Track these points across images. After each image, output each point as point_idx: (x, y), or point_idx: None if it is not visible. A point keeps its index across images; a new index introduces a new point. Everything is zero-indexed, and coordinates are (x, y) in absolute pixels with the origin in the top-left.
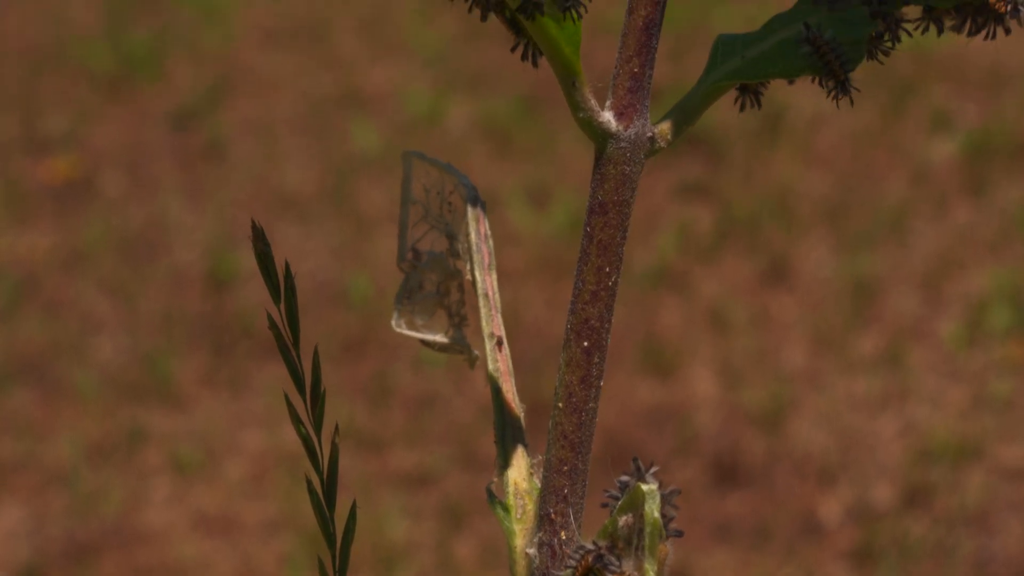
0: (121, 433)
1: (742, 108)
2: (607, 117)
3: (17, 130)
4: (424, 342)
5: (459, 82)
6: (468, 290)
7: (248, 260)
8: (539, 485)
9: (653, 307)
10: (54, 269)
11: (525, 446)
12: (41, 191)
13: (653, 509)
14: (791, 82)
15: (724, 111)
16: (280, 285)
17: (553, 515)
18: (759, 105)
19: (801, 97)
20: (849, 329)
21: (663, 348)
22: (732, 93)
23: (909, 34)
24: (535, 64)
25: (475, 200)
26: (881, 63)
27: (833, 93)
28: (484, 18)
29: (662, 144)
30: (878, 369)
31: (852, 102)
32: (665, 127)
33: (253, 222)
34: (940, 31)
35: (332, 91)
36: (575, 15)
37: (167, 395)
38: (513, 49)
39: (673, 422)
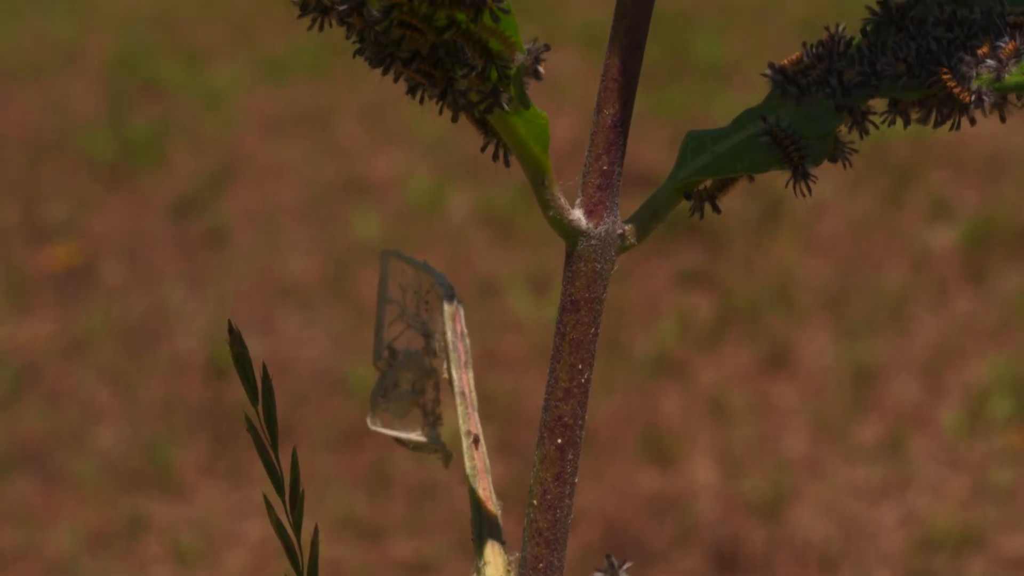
0: (121, 522)
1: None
2: (577, 215)
3: (18, 218)
4: (399, 440)
5: (460, 169)
6: (443, 388)
7: (249, 348)
8: None
9: (653, 395)
10: (54, 357)
11: (502, 543)
12: (41, 279)
13: None
14: (751, 179)
15: (724, 198)
16: (258, 387)
17: None
18: (717, 210)
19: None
20: (850, 417)
21: (663, 436)
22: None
23: (875, 126)
24: (507, 164)
25: (452, 298)
26: (849, 163)
27: (791, 182)
28: (455, 119)
29: (632, 241)
30: (879, 457)
31: (809, 191)
32: (635, 224)
33: (230, 325)
34: (906, 124)
35: (334, 179)
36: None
37: (167, 484)
38: (483, 149)
39: (673, 511)
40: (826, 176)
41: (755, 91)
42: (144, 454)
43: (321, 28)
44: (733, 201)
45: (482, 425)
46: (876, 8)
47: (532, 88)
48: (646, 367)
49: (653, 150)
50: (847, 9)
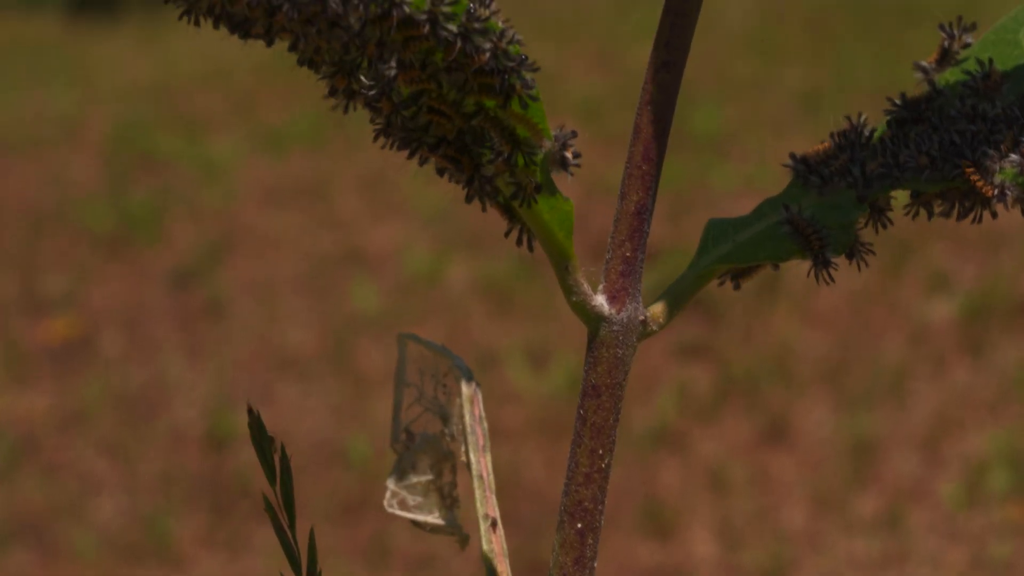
0: None
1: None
2: (600, 301)
3: (16, 290)
4: (416, 523)
5: (459, 241)
6: (460, 470)
7: (247, 420)
8: None
9: (652, 467)
10: (53, 429)
11: None
12: (40, 351)
13: None
14: (775, 267)
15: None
16: (276, 466)
17: None
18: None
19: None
20: (849, 489)
21: (662, 509)
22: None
23: (891, 221)
24: (531, 249)
25: (470, 382)
26: (864, 263)
27: (813, 271)
28: (484, 208)
29: (654, 328)
30: (878, 530)
31: (831, 280)
32: (657, 310)
33: (250, 408)
34: (930, 216)
35: (332, 250)
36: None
37: (166, 556)
38: (507, 234)
39: None
40: (875, 234)
41: (753, 162)
42: (143, 526)
43: (346, 111)
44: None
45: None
46: (897, 101)
47: None
48: (645, 439)
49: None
50: (845, 82)
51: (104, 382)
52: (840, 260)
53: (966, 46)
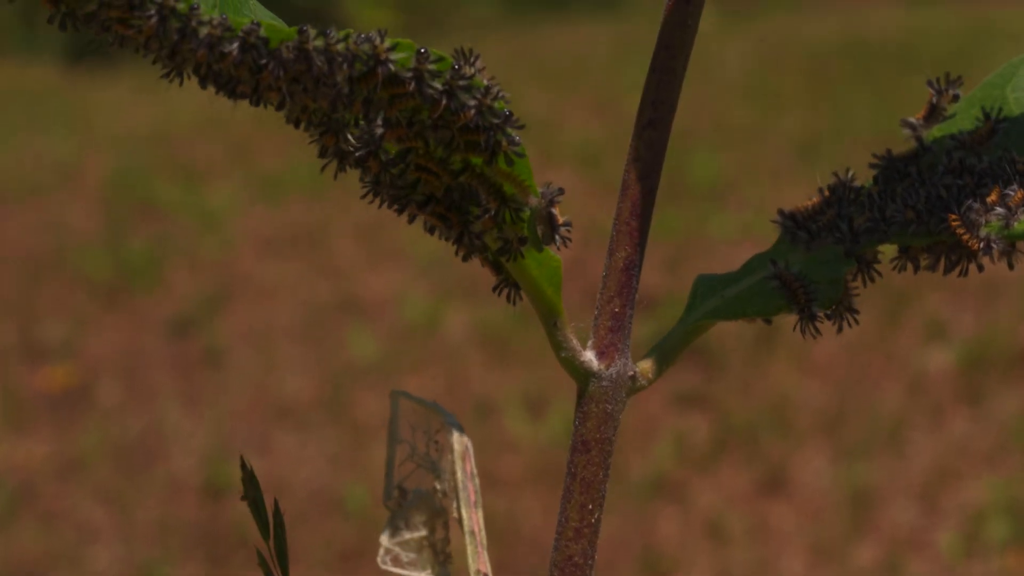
0: None
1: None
2: (589, 356)
3: (14, 338)
4: None
5: (456, 289)
6: (453, 527)
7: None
8: None
9: (650, 517)
10: (50, 478)
11: None
12: (38, 399)
13: None
14: (768, 322)
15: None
16: (269, 521)
17: None
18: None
19: None
20: (847, 539)
21: (660, 559)
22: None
23: (879, 274)
24: (514, 304)
25: (461, 438)
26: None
27: (799, 326)
28: (466, 259)
29: (643, 383)
30: None
31: (817, 333)
32: (646, 366)
33: (243, 462)
34: (916, 269)
35: (330, 298)
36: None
37: None
38: (495, 289)
39: None
40: (863, 287)
41: (750, 211)
42: (140, 575)
43: (336, 176)
44: (728, 323)
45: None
46: (882, 156)
47: None
48: (643, 488)
49: (648, 271)
50: (843, 130)
51: (102, 430)
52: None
53: (955, 99)
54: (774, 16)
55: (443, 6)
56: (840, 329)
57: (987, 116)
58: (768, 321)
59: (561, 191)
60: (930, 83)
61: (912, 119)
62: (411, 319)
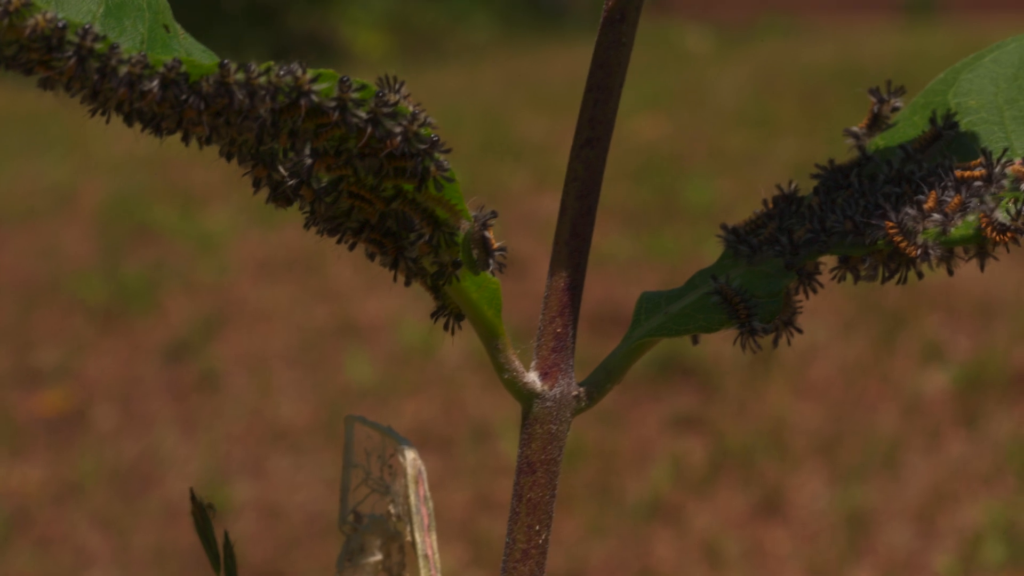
0: None
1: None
2: (532, 378)
3: (10, 362)
4: None
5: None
6: (409, 551)
7: (241, 492)
8: None
9: (646, 540)
10: (46, 502)
11: None
12: (34, 423)
13: None
14: (695, 340)
15: (717, 343)
16: (220, 555)
17: None
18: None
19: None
20: (843, 562)
21: None
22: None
23: (821, 285)
24: (452, 334)
25: (415, 463)
26: (793, 333)
27: (739, 339)
28: (408, 283)
29: (587, 403)
30: None
31: (757, 348)
32: (590, 386)
33: (193, 496)
34: (856, 279)
35: (326, 323)
36: (494, 277)
37: None
38: (433, 316)
39: None
40: (818, 320)
41: None
42: None
43: (268, 200)
44: (724, 345)
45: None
46: (823, 166)
47: (523, 231)
48: (639, 512)
49: None
50: (838, 153)
51: (98, 455)
52: (832, 333)
53: (895, 109)
54: (769, 41)
55: (439, 30)
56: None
57: (932, 121)
58: (695, 339)
59: (494, 214)
60: (872, 91)
61: (855, 128)
62: (407, 343)
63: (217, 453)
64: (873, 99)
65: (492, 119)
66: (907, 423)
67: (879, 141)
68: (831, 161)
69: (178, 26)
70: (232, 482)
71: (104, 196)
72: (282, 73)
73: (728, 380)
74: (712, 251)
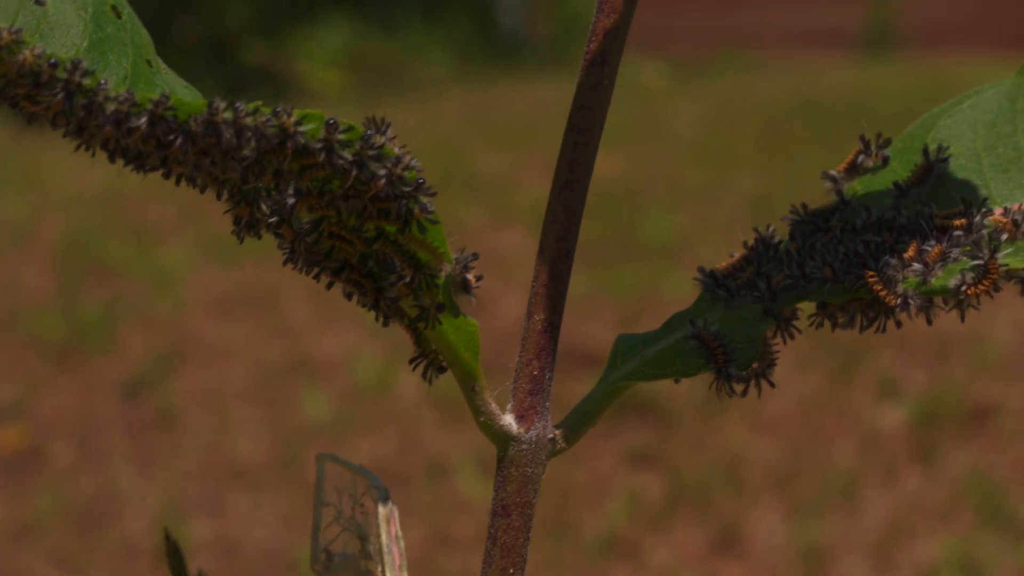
0: None
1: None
2: (508, 420)
3: None
4: None
5: (409, 350)
6: None
7: (199, 530)
8: None
9: None
10: (3, 541)
11: None
12: None
13: None
14: (676, 380)
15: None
16: None
17: None
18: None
19: None
20: None
21: None
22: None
23: (799, 331)
24: (430, 382)
25: (386, 501)
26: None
27: (715, 384)
28: (386, 324)
29: (563, 445)
30: None
31: (733, 393)
32: (566, 429)
33: (167, 535)
34: (834, 327)
35: (282, 359)
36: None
37: None
38: (411, 363)
39: None
40: (783, 345)
41: None
42: None
43: (243, 237)
44: (682, 380)
45: None
46: (799, 210)
47: (482, 266)
48: (596, 548)
49: (602, 330)
50: (796, 187)
51: (55, 492)
52: (789, 368)
53: (885, 160)
54: (726, 76)
55: (396, 65)
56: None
57: (925, 153)
58: (676, 380)
59: (475, 256)
60: (862, 138)
61: (833, 172)
62: (364, 380)
63: (174, 490)
64: (860, 145)
65: (450, 154)
66: (864, 458)
67: (857, 186)
68: (804, 205)
69: (160, 61)
70: (189, 520)
71: (60, 233)
72: (269, 116)
73: (684, 415)
74: (670, 286)
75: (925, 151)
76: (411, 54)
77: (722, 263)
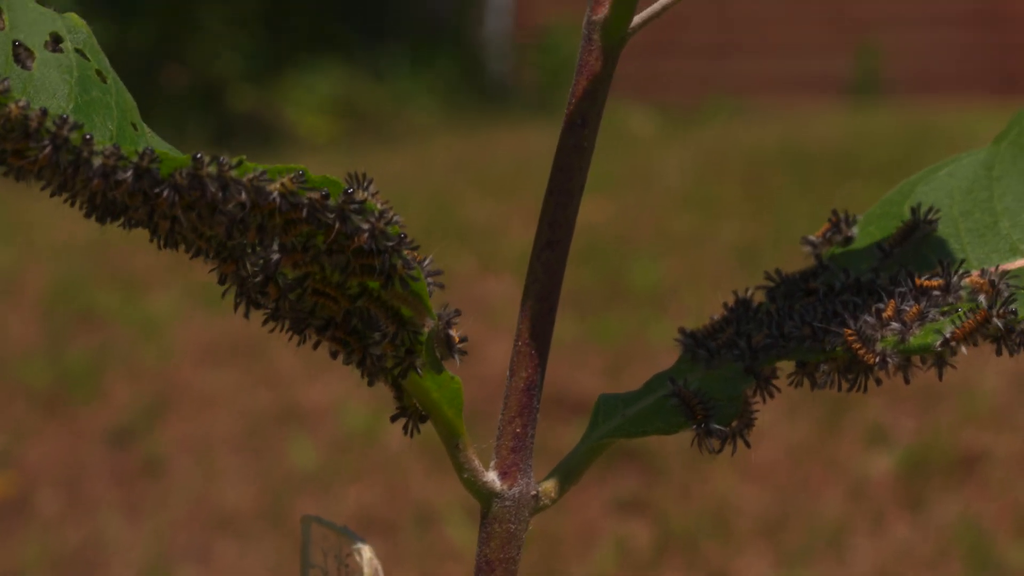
0: None
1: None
2: (491, 477)
3: None
4: None
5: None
6: None
7: None
8: None
9: None
10: None
11: None
12: None
13: None
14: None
15: None
16: None
17: None
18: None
19: None
20: None
21: None
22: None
23: (778, 389)
24: (411, 436)
25: (371, 562)
26: (744, 442)
27: (696, 441)
28: (371, 383)
29: (547, 502)
30: None
31: (716, 449)
32: (549, 486)
33: None
34: (813, 386)
35: (270, 408)
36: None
37: None
38: (393, 419)
39: None
40: (763, 403)
41: (691, 317)
42: None
43: (236, 307)
44: None
45: None
46: (773, 276)
47: (470, 314)
48: None
49: (589, 377)
50: (782, 236)
51: (41, 541)
52: (777, 416)
53: (848, 240)
54: (714, 123)
55: (384, 113)
56: (735, 447)
57: (914, 212)
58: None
59: (458, 312)
60: (834, 212)
61: (812, 237)
62: (351, 428)
63: (161, 539)
64: (834, 218)
65: (438, 202)
66: (852, 506)
67: (835, 249)
68: (778, 271)
69: (144, 125)
70: (176, 568)
71: (47, 281)
72: (253, 171)
73: (672, 462)
74: (657, 333)
75: (914, 211)
76: (399, 101)
77: (700, 325)
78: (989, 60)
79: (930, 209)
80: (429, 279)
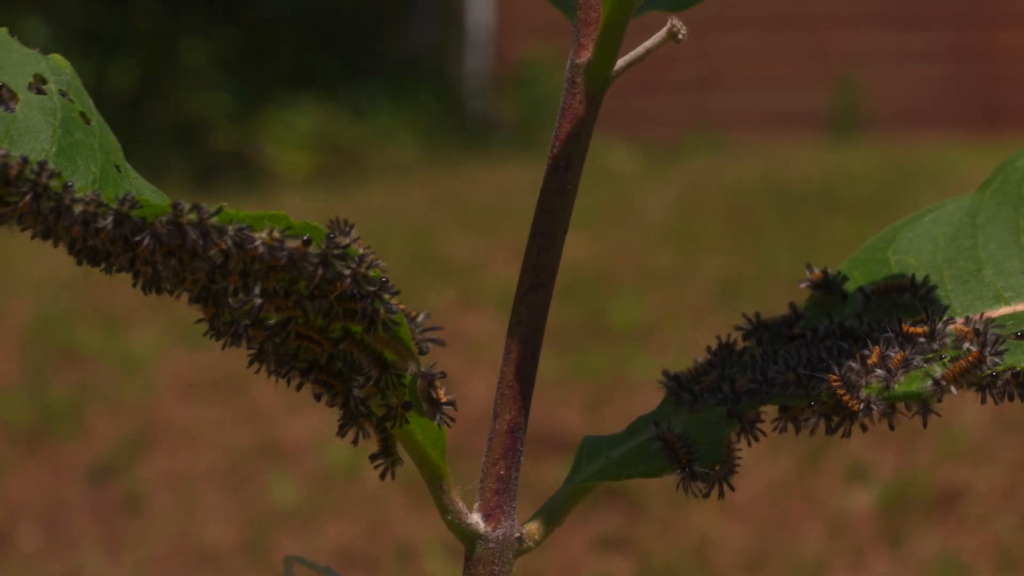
0: None
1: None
2: (475, 519)
3: None
4: None
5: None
6: None
7: None
8: None
9: None
10: None
11: None
12: None
13: None
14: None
15: None
16: None
17: None
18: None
19: None
20: None
21: None
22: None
23: (763, 433)
24: (392, 478)
25: None
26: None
27: (681, 485)
28: (342, 434)
29: (530, 544)
30: None
31: (702, 494)
32: (533, 527)
33: None
34: (797, 430)
35: (251, 443)
36: (446, 421)
37: None
38: (372, 458)
39: None
40: (747, 447)
41: (672, 353)
42: None
43: (224, 346)
44: None
45: None
46: (751, 318)
47: (451, 349)
48: None
49: (571, 414)
50: (764, 271)
51: None
52: (758, 453)
53: (844, 296)
54: (695, 159)
55: (364, 149)
56: (721, 492)
57: (912, 279)
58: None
59: (443, 374)
60: (808, 267)
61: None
62: (332, 464)
63: (142, 575)
64: (818, 273)
65: (419, 237)
66: (832, 542)
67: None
68: (757, 314)
69: (129, 166)
70: None
71: (28, 317)
72: (238, 225)
73: (654, 500)
74: (639, 370)
75: (912, 279)
76: (380, 138)
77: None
78: (970, 94)
79: (925, 280)
80: (424, 334)
